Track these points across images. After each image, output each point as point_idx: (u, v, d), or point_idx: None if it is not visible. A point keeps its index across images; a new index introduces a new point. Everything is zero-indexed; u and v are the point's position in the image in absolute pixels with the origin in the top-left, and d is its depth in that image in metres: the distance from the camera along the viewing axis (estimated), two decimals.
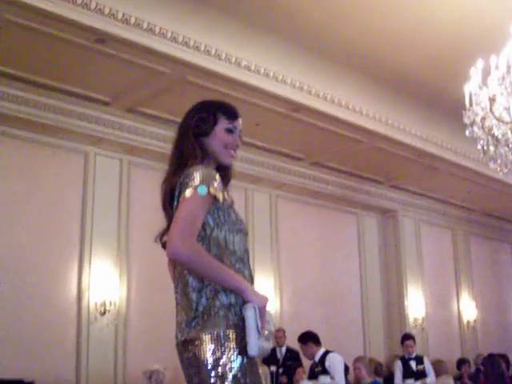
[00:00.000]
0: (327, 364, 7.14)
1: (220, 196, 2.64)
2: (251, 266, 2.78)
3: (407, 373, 8.68)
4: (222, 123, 2.82)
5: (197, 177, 2.61)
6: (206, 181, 2.60)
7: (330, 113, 9.10)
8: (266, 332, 2.58)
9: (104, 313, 8.66)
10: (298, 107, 8.83)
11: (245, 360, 2.53)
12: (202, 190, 2.59)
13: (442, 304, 13.90)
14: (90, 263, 8.72)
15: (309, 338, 7.37)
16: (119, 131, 8.88)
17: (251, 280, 2.73)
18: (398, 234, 13.25)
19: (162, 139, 8.98)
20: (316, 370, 7.24)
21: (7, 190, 8.21)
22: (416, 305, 13.06)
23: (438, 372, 9.32)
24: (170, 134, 9.54)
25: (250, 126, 8.72)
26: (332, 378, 7.00)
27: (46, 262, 8.34)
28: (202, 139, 2.81)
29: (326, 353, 7.25)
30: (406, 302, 12.92)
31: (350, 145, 10.34)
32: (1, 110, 7.87)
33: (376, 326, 12.69)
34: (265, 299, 2.58)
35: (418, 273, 13.35)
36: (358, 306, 12.48)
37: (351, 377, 8.78)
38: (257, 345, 2.48)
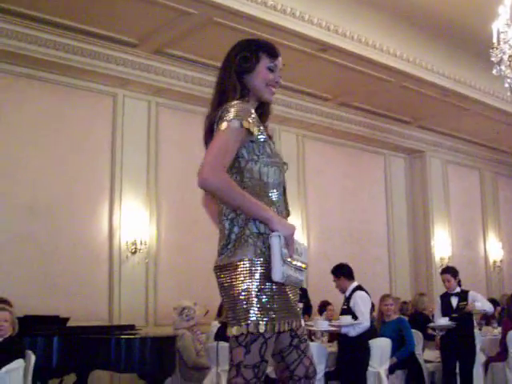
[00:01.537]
0: (352, 303, 6.96)
1: (254, 130, 2.75)
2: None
3: (446, 310, 7.81)
4: (264, 61, 2.94)
5: (232, 111, 2.73)
6: (239, 115, 2.72)
7: (357, 52, 9.05)
8: (297, 262, 2.71)
9: (135, 252, 8.86)
10: (324, 47, 8.78)
11: (273, 286, 2.67)
12: (235, 123, 2.69)
13: (468, 244, 13.96)
14: (120, 204, 8.90)
15: (341, 272, 7.21)
16: (147, 73, 8.93)
17: (287, 213, 2.87)
18: (425, 174, 13.26)
19: (190, 80, 9.04)
20: (343, 307, 7.18)
21: (38, 132, 8.34)
22: (442, 245, 13.14)
23: None
24: (197, 75, 9.56)
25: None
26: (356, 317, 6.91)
27: (77, 203, 8.52)
28: (244, 77, 2.91)
29: (356, 289, 7.03)
30: (432, 242, 13.01)
31: (378, 85, 10.28)
32: (30, 53, 7.95)
33: (402, 265, 12.81)
34: (290, 228, 2.68)
35: (444, 213, 13.40)
36: (384, 245, 12.59)
37: (376, 314, 8.92)
38: (280, 271, 2.59)
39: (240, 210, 2.70)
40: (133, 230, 8.91)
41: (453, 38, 9.77)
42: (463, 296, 7.85)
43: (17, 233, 7.96)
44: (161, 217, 9.26)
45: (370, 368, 7.04)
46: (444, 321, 7.76)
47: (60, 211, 8.36)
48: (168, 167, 9.36)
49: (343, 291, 7.16)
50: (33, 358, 5.74)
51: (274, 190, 2.81)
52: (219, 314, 8.03)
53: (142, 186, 9.15)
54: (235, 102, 2.79)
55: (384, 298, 8.32)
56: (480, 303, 7.75)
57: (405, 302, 10.59)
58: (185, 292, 8.66)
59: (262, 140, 2.81)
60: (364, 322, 6.82)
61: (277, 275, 2.61)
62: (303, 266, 2.77)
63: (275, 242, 2.62)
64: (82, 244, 8.51)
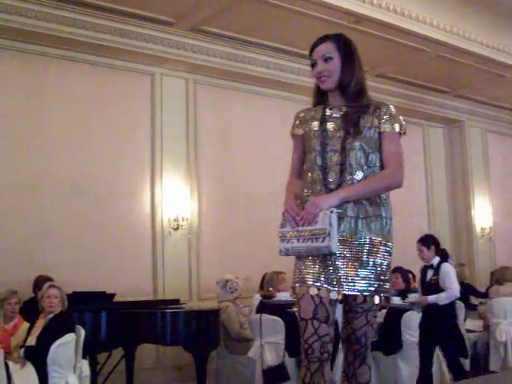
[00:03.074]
0: None
1: (296, 132, 3.36)
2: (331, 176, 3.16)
3: (421, 284, 7.01)
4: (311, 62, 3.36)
5: None
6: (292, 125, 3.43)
7: (392, 23, 8.96)
8: (303, 232, 3.01)
9: (177, 228, 9.00)
10: (360, 18, 8.71)
11: (295, 260, 3.17)
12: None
13: (509, 213, 13.82)
14: (161, 180, 9.03)
15: None
16: (183, 51, 8.99)
17: (327, 190, 3.13)
18: (464, 143, 13.14)
19: (226, 57, 9.08)
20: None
21: (79, 112, 8.48)
22: (483, 215, 13.05)
23: (503, 279, 9.02)
24: (234, 51, 9.55)
25: (312, 40, 8.70)
26: None
27: (119, 181, 8.67)
28: None
29: None
30: (472, 212, 12.93)
31: (414, 55, 10.20)
32: (70, 35, 8.06)
33: (443, 236, 12.67)
34: (285, 209, 3.12)
35: (484, 183, 13.29)
36: (424, 216, 12.55)
37: (418, 285, 8.91)
38: (279, 248, 3.08)
39: None
40: (174, 206, 9.04)
41: (489, 4, 9.64)
42: (437, 269, 6.89)
43: (62, 211, 8.15)
44: (201, 193, 9.37)
45: (410, 338, 7.09)
46: (396, 300, 7.14)
47: (103, 189, 8.52)
48: (207, 143, 9.45)
49: None
50: (82, 332, 5.91)
51: (309, 173, 3.22)
52: (261, 287, 8.14)
53: (182, 162, 9.26)
54: None
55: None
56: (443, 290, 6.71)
57: None
58: (227, 266, 8.79)
59: (306, 135, 3.28)
60: None
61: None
62: (315, 231, 2.97)
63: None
64: (126, 221, 8.67)
